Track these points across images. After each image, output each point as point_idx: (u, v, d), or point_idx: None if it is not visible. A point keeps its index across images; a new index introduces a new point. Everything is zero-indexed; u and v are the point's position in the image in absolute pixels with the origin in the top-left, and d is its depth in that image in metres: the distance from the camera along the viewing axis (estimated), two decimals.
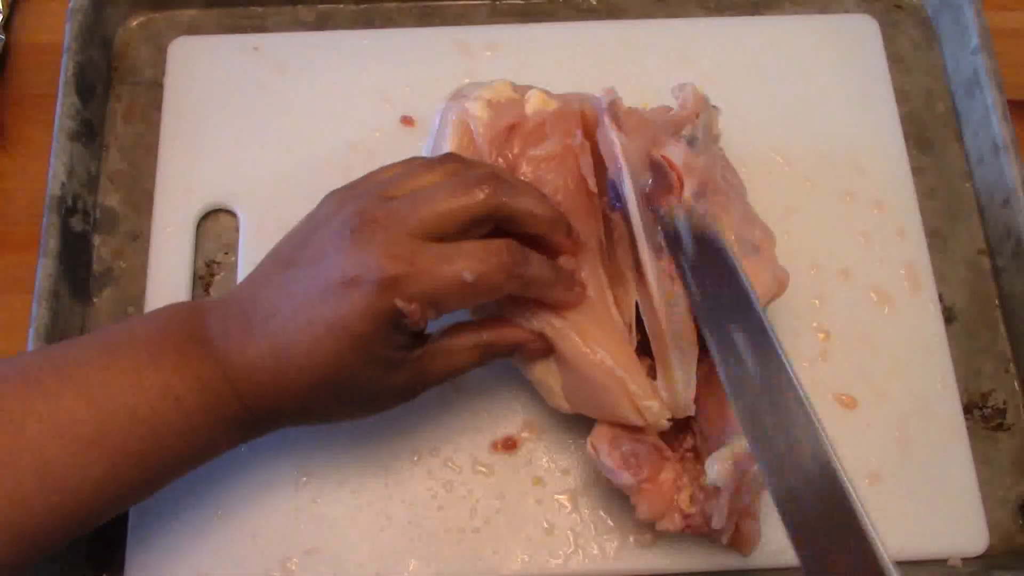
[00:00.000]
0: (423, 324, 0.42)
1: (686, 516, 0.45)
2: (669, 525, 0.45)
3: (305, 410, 0.44)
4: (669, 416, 0.45)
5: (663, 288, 0.45)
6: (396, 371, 0.43)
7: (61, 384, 0.40)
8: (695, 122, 0.49)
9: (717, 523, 0.44)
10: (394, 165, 0.47)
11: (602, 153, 0.49)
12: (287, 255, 0.44)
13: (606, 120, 0.48)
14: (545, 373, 0.47)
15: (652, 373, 0.46)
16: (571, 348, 0.45)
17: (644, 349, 0.46)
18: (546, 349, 0.46)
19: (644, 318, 0.46)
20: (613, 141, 0.47)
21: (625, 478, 0.45)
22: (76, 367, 0.41)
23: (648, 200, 0.47)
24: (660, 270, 0.45)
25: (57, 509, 0.39)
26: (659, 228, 0.46)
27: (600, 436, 0.46)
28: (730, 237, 0.47)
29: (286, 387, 0.42)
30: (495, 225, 0.43)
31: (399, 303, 0.40)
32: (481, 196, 0.42)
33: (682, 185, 0.47)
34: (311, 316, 0.41)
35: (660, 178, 0.47)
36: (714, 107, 0.52)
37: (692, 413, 0.46)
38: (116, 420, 0.40)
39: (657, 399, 0.45)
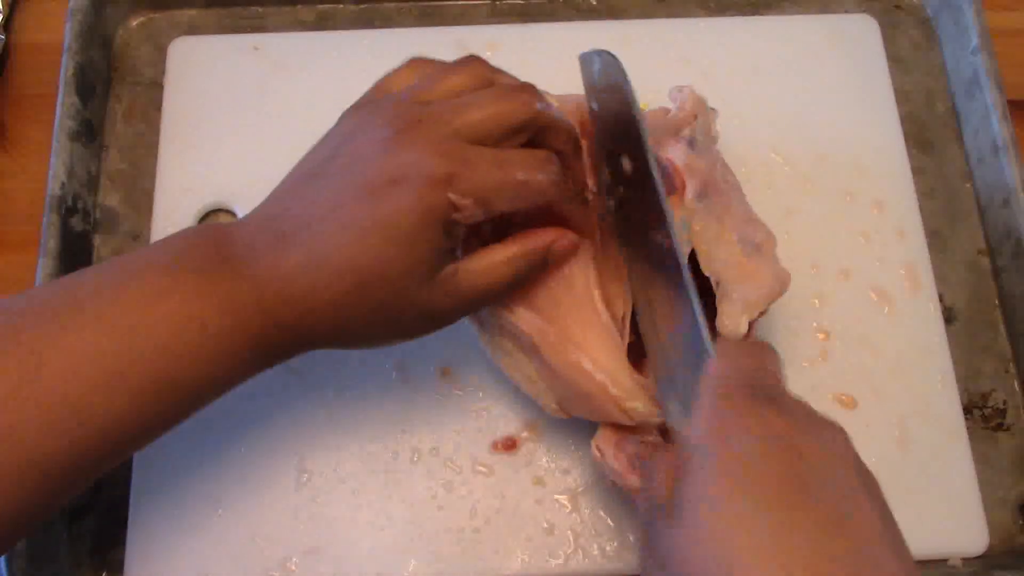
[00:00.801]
0: (474, 220, 0.41)
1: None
2: None
3: (337, 324, 0.41)
4: (659, 414, 0.45)
5: None
6: (432, 286, 0.41)
7: (80, 316, 0.39)
8: (694, 124, 0.49)
9: None
10: (403, 71, 0.45)
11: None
12: (313, 169, 0.42)
13: None
14: (534, 380, 0.48)
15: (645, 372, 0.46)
16: (552, 352, 0.45)
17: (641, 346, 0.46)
18: (574, 244, 0.45)
19: (639, 315, 0.46)
20: None
21: (633, 480, 0.44)
22: (94, 298, 0.39)
23: None
24: None
25: (83, 443, 0.38)
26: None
27: (605, 439, 0.45)
28: (732, 237, 0.47)
29: (322, 296, 0.40)
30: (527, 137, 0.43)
31: (453, 197, 0.40)
32: (523, 104, 0.42)
33: (684, 187, 0.47)
34: (354, 217, 0.40)
35: (663, 178, 0.47)
36: (712, 109, 0.52)
37: None
38: (137, 351, 0.38)
39: (641, 399, 0.44)
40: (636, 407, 0.44)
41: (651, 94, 0.55)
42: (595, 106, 0.48)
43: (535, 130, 0.43)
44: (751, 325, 0.46)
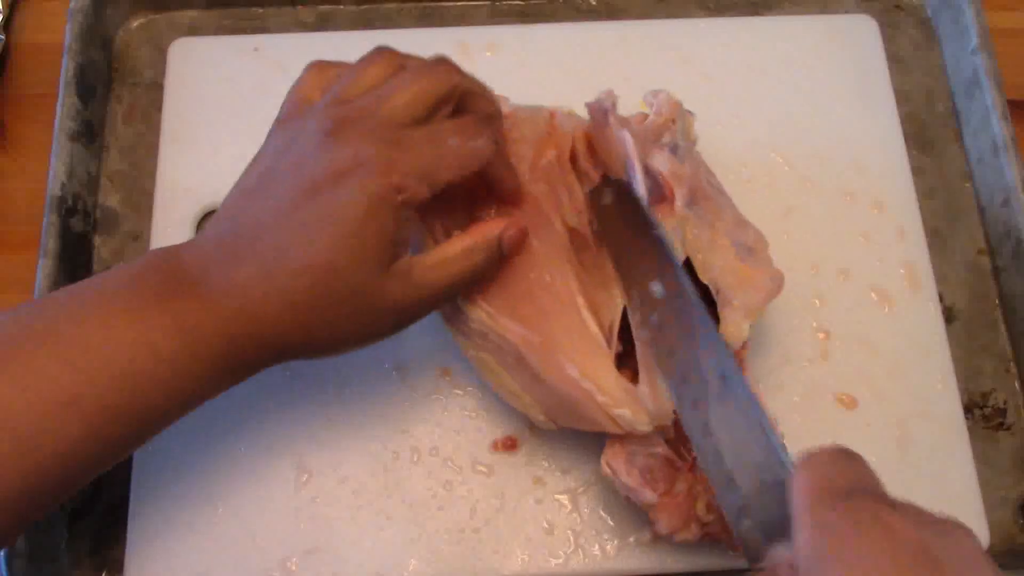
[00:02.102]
0: (420, 199, 0.41)
1: (704, 525, 0.45)
2: (688, 535, 0.45)
3: (299, 328, 0.41)
4: (648, 422, 0.44)
5: None
6: (389, 279, 0.42)
7: (33, 344, 0.39)
8: (673, 129, 0.49)
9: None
10: (311, 77, 0.46)
11: (602, 155, 0.49)
12: (255, 184, 0.43)
13: (611, 120, 0.48)
14: (519, 395, 0.48)
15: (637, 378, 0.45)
16: (537, 360, 0.45)
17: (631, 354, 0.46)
18: (522, 232, 0.46)
19: (631, 323, 0.46)
20: (625, 139, 0.47)
21: (648, 496, 0.44)
22: (47, 325, 0.40)
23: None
24: None
25: (35, 473, 0.38)
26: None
27: (614, 454, 0.45)
28: (726, 242, 0.47)
29: (279, 301, 0.40)
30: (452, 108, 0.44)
31: (396, 179, 0.40)
32: (443, 76, 0.43)
33: (673, 195, 0.47)
34: (301, 218, 0.40)
35: (652, 187, 0.47)
36: (688, 112, 0.52)
37: (670, 422, 0.45)
38: (92, 377, 0.39)
39: (629, 406, 0.44)
40: (623, 414, 0.44)
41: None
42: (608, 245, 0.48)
43: (458, 98, 0.44)
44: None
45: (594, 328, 0.45)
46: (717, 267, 0.47)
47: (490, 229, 0.45)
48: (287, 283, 0.40)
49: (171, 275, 0.41)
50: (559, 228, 0.47)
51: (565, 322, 0.45)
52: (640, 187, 0.46)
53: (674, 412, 0.44)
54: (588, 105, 0.50)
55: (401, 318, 0.44)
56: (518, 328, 0.45)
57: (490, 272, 0.46)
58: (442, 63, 0.44)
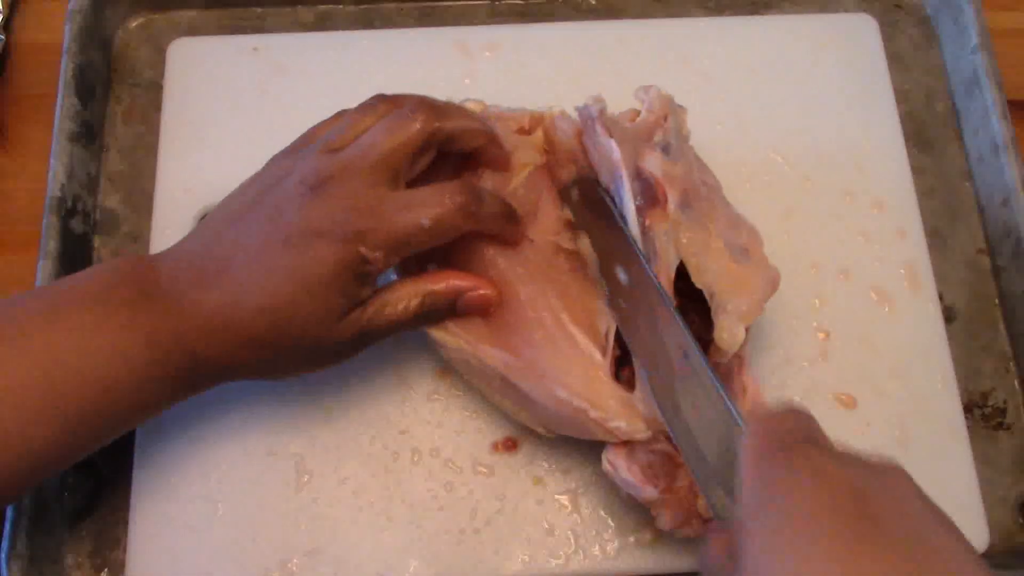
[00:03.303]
0: (384, 270, 0.44)
1: (706, 520, 0.45)
2: (690, 531, 0.45)
3: (253, 360, 0.44)
4: (644, 429, 0.44)
5: None
6: (344, 324, 0.44)
7: (8, 349, 0.40)
8: (665, 126, 0.49)
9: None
10: (329, 121, 0.48)
11: (592, 162, 0.49)
12: (236, 212, 0.45)
13: (598, 128, 0.48)
14: (514, 412, 0.48)
15: (632, 383, 0.45)
16: (523, 383, 0.45)
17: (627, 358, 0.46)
18: (486, 300, 0.46)
19: (622, 329, 0.46)
20: (612, 149, 0.47)
21: (649, 492, 0.44)
22: (24, 329, 0.41)
23: (638, 212, 0.46)
24: None
25: (12, 467, 0.40)
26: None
27: (615, 452, 0.45)
28: (720, 244, 0.47)
29: (239, 333, 0.43)
30: (437, 150, 0.46)
31: (364, 251, 0.42)
32: (417, 126, 0.44)
33: (666, 198, 0.46)
34: (271, 264, 0.42)
35: (645, 190, 0.47)
36: (680, 106, 0.51)
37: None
38: (65, 383, 0.41)
39: (624, 418, 0.44)
40: (620, 426, 0.44)
41: None
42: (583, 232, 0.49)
43: (440, 144, 0.45)
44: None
45: (584, 342, 0.45)
46: (711, 271, 0.46)
47: (450, 283, 0.46)
48: (247, 320, 0.42)
49: (143, 288, 0.43)
50: (540, 245, 0.47)
51: (551, 348, 0.45)
52: (627, 195, 0.46)
53: None
54: (577, 110, 0.50)
55: (352, 351, 0.46)
56: (498, 353, 0.46)
57: (448, 313, 0.47)
58: (422, 109, 0.45)
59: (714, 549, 0.37)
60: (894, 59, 0.62)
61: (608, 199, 0.48)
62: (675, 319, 0.43)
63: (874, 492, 0.32)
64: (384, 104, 0.46)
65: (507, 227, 0.47)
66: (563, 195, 0.49)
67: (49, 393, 0.40)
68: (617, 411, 0.44)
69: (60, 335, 0.41)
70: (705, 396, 0.41)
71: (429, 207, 0.44)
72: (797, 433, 0.35)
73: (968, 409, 0.54)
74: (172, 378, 0.43)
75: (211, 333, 0.43)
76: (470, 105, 0.51)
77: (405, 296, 0.45)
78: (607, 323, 0.46)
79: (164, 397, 0.44)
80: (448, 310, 0.46)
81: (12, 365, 0.40)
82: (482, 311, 0.46)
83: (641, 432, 0.44)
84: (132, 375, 0.42)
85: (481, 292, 0.46)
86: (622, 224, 0.47)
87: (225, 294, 0.42)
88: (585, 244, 0.48)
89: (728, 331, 0.45)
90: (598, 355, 0.45)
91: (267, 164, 0.47)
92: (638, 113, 0.50)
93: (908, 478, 0.34)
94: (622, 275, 0.46)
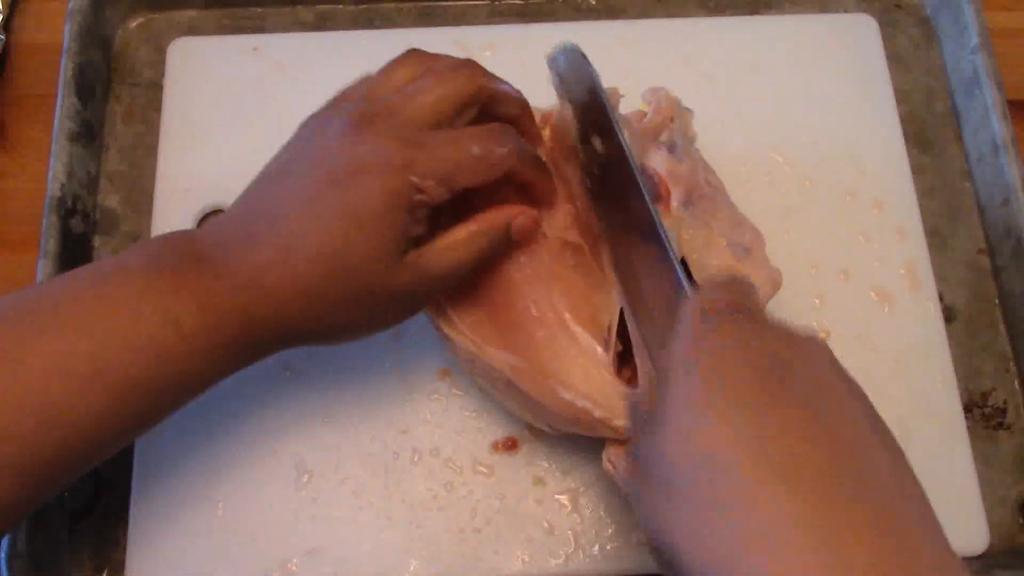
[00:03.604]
0: (436, 202, 0.42)
1: None
2: None
3: (311, 314, 0.42)
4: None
5: None
6: (400, 269, 0.42)
7: (58, 320, 0.39)
8: (671, 127, 0.49)
9: None
10: (359, 83, 0.47)
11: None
12: (277, 170, 0.44)
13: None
14: (520, 408, 0.48)
15: (635, 381, 0.45)
16: (528, 385, 0.45)
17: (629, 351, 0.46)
18: (534, 221, 0.46)
19: (628, 323, 0.46)
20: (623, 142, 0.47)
21: None
22: (72, 301, 0.40)
23: None
24: None
25: (60, 445, 0.39)
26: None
27: (615, 450, 0.45)
28: (722, 243, 0.47)
29: (293, 287, 0.41)
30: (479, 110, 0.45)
31: (414, 179, 0.41)
32: (468, 80, 0.44)
33: (669, 195, 0.47)
34: (320, 208, 0.41)
35: (648, 187, 0.47)
36: (687, 108, 0.52)
37: None
38: (115, 352, 0.39)
39: (628, 415, 0.44)
40: (624, 424, 0.44)
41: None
42: (567, 102, 0.49)
43: (483, 101, 0.45)
44: None
45: (587, 340, 0.45)
46: (713, 267, 0.47)
47: (500, 215, 0.45)
48: (301, 269, 0.41)
49: (189, 254, 0.42)
50: (543, 241, 0.47)
51: (554, 347, 0.45)
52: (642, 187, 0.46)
53: None
54: None
55: (410, 306, 0.45)
56: (505, 356, 0.45)
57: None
58: (468, 66, 0.45)
59: (644, 386, 0.40)
60: (894, 59, 0.62)
61: (591, 67, 0.48)
62: (641, 189, 0.44)
63: (790, 358, 0.35)
64: (421, 56, 0.46)
65: (543, 177, 0.46)
66: (549, 64, 0.49)
67: (97, 361, 0.39)
68: (621, 409, 0.44)
69: (108, 304, 0.40)
70: (659, 262, 0.42)
71: (476, 139, 0.43)
72: (733, 303, 0.38)
73: (968, 409, 0.54)
74: (225, 345, 0.42)
75: (264, 289, 0.41)
76: None
77: (459, 240, 0.44)
78: (610, 317, 0.46)
79: (216, 367, 0.42)
80: (504, 242, 0.46)
81: (59, 333, 0.39)
82: (532, 233, 0.46)
83: None
84: (183, 342, 0.40)
85: (528, 215, 0.46)
86: (601, 93, 0.47)
87: (275, 248, 0.41)
88: (569, 114, 0.48)
89: None
90: (600, 350, 0.45)
91: (300, 126, 0.46)
92: (644, 114, 0.51)
93: (825, 349, 0.37)
94: (597, 144, 0.46)
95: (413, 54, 0.46)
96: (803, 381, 0.34)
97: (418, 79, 0.44)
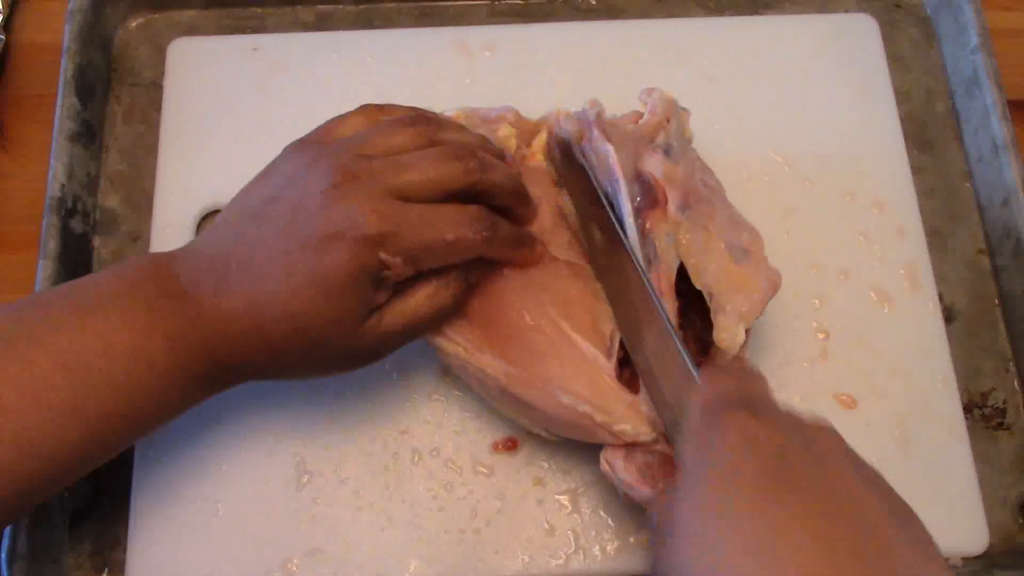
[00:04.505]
0: (402, 277, 0.43)
1: None
2: None
3: (273, 363, 0.44)
4: (649, 432, 0.44)
5: None
6: (363, 333, 0.43)
7: (34, 350, 0.40)
8: (667, 128, 0.49)
9: None
10: (353, 117, 0.47)
11: (591, 165, 0.49)
12: (255, 208, 0.44)
13: (595, 132, 0.48)
14: (515, 413, 0.48)
15: (636, 384, 0.45)
16: (524, 392, 0.45)
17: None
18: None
19: (630, 351, 0.45)
20: (608, 153, 0.47)
21: (645, 492, 0.44)
22: (48, 331, 0.41)
23: (637, 214, 0.47)
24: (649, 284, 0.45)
25: (34, 475, 0.40)
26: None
27: (613, 452, 0.45)
28: (720, 245, 0.47)
29: (259, 338, 0.42)
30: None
31: (383, 256, 0.42)
32: (463, 171, 0.44)
33: (666, 199, 0.47)
34: (290, 268, 0.42)
35: (645, 192, 0.47)
36: (683, 109, 0.51)
37: None
38: (91, 387, 0.40)
39: (630, 421, 0.44)
40: (625, 429, 0.44)
41: None
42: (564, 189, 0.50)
43: (474, 194, 0.45)
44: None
45: (587, 346, 0.45)
46: (711, 273, 0.46)
47: (457, 271, 0.46)
48: (267, 327, 0.42)
49: (166, 289, 0.43)
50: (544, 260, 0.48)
51: (554, 355, 0.45)
52: (624, 200, 0.46)
53: None
54: (574, 115, 0.50)
55: (372, 357, 0.46)
56: (499, 363, 0.45)
57: (458, 307, 0.46)
58: (472, 155, 0.45)
59: (657, 490, 0.41)
60: (894, 59, 0.62)
61: (585, 163, 0.49)
62: (643, 278, 0.45)
63: (797, 454, 0.35)
64: (424, 124, 0.46)
65: (518, 256, 0.47)
66: (547, 154, 0.50)
67: (74, 396, 0.40)
68: (622, 414, 0.44)
69: (86, 337, 0.41)
70: (667, 351, 0.43)
71: (451, 225, 0.43)
72: (739, 395, 0.38)
73: (968, 409, 0.54)
74: (194, 380, 0.43)
75: (231, 338, 0.42)
76: (454, 114, 0.51)
77: (422, 294, 0.45)
78: (612, 323, 0.46)
79: (187, 398, 0.44)
80: (464, 289, 0.46)
81: (39, 366, 0.40)
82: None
83: (645, 435, 0.44)
84: (155, 378, 0.42)
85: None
86: (596, 185, 0.48)
87: (245, 299, 0.42)
88: (568, 203, 0.49)
89: (728, 332, 0.45)
90: (602, 358, 0.45)
91: (283, 155, 0.46)
92: (640, 115, 0.51)
93: (836, 438, 0.37)
94: (597, 234, 0.47)
95: (422, 120, 0.46)
96: (812, 476, 0.35)
97: (414, 151, 0.44)
